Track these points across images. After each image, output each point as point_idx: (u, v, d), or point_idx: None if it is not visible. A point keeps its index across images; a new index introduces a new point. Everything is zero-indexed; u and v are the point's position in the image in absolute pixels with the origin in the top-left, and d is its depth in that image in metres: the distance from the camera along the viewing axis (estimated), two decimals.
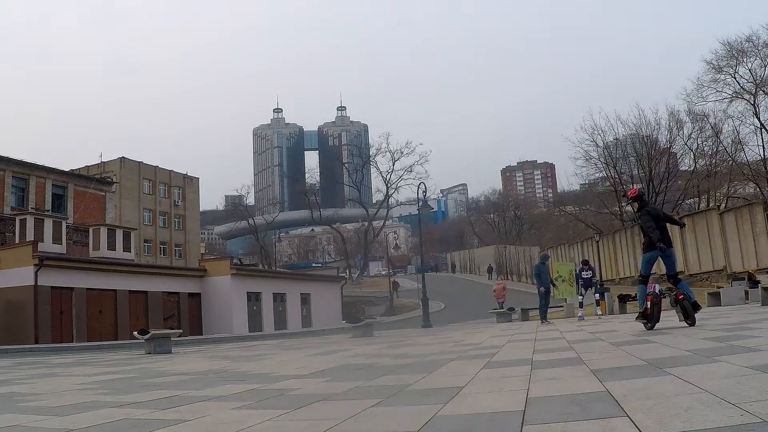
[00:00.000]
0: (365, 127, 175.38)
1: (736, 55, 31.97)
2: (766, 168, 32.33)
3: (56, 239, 24.56)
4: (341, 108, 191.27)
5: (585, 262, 16.22)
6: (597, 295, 16.09)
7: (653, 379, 3.61)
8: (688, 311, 7.88)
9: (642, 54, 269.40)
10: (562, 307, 21.82)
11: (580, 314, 15.33)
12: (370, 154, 76.29)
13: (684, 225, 9.71)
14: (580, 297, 15.49)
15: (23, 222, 24.18)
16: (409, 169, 64.94)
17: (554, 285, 16.18)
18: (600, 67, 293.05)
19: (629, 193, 8.99)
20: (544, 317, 15.09)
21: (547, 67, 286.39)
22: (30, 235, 23.18)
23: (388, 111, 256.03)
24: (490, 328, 15.78)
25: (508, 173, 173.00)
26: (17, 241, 23.57)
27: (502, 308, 23.35)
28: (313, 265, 71.10)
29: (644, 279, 8.27)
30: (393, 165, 66.09)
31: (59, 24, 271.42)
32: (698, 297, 23.48)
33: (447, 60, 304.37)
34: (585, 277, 15.47)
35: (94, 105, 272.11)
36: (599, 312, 15.68)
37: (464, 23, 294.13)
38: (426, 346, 9.43)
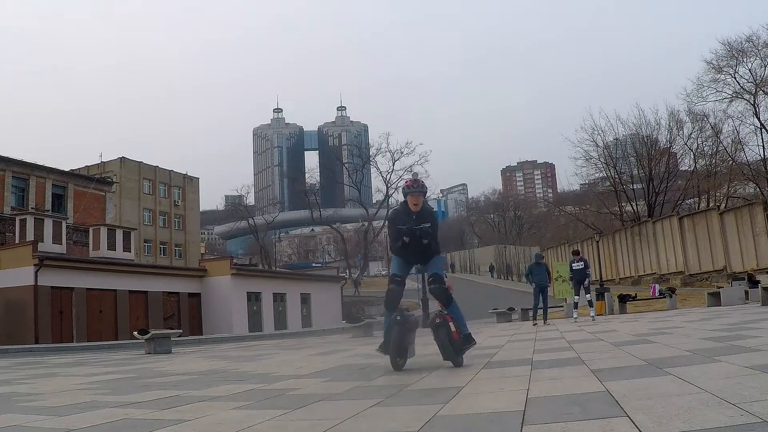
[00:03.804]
0: (365, 127, 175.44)
1: (736, 55, 31.97)
2: (766, 168, 32.32)
3: (56, 239, 24.56)
4: (341, 108, 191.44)
5: (576, 253, 14.85)
6: (588, 295, 14.68)
7: (653, 379, 3.61)
8: (445, 348, 5.30)
9: (642, 54, 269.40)
10: (562, 307, 21.83)
11: (574, 315, 15.06)
12: (370, 154, 76.12)
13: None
14: (577, 297, 14.63)
15: (23, 222, 24.18)
16: (409, 169, 64.75)
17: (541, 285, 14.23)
18: (600, 67, 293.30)
19: (410, 182, 5.59)
20: (534, 318, 14.35)
21: (547, 67, 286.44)
22: (30, 235, 23.18)
23: (388, 111, 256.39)
24: (490, 328, 15.77)
25: (508, 173, 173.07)
26: (17, 241, 23.57)
27: None
28: (313, 265, 71.08)
29: (397, 281, 5.55)
30: (393, 165, 65.93)
31: (60, 24, 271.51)
32: (698, 297, 23.49)
33: (447, 60, 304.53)
34: (576, 268, 14.22)
35: (94, 105, 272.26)
36: (593, 313, 14.79)
37: (464, 24, 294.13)
38: (426, 346, 9.42)
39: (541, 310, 14.13)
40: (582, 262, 14.38)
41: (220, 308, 27.13)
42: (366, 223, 72.13)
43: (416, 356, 5.86)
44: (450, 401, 3.43)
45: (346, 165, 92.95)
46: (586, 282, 14.36)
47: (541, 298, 14.01)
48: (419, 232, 5.41)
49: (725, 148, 35.36)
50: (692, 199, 39.49)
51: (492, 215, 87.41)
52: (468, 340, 5.47)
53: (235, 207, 78.82)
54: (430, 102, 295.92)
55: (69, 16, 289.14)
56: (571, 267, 14.69)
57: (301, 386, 4.81)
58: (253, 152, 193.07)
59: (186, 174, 55.88)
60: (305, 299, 33.05)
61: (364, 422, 3.01)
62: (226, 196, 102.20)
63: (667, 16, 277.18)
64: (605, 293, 20.50)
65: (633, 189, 40.35)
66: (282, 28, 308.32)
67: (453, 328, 5.27)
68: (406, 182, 5.58)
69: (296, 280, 35.19)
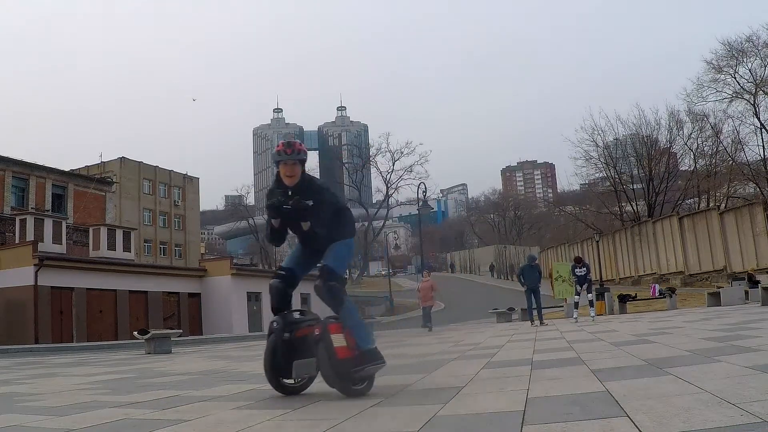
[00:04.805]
0: (365, 127, 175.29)
1: (736, 55, 32.04)
2: (766, 168, 32.37)
3: (56, 239, 24.57)
4: (341, 108, 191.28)
5: (578, 260, 15.49)
6: (590, 295, 15.23)
7: (653, 379, 3.61)
8: (324, 371, 3.79)
9: (642, 54, 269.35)
10: (561, 307, 21.83)
11: (575, 315, 15.16)
12: (370, 154, 76.27)
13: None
14: (576, 297, 15.02)
15: (23, 222, 24.19)
16: (409, 169, 65.00)
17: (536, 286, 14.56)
18: (600, 67, 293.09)
19: (281, 146, 3.99)
20: (531, 319, 14.73)
21: (547, 66, 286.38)
22: (30, 235, 23.19)
23: (388, 111, 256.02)
24: (490, 328, 15.78)
25: (508, 173, 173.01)
26: (17, 241, 23.58)
27: (429, 317, 18.28)
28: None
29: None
30: (393, 165, 66.16)
31: (60, 24, 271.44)
32: (698, 297, 23.44)
33: (447, 60, 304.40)
34: (579, 274, 14.82)
35: (94, 105, 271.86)
36: (593, 314, 15.06)
37: (464, 24, 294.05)
38: (426, 346, 9.43)
39: (535, 310, 14.48)
40: (584, 268, 14.89)
41: (220, 308, 27.13)
42: (366, 223, 72.24)
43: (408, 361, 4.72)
44: (450, 401, 3.43)
45: (346, 165, 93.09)
46: (586, 285, 14.91)
47: (534, 299, 14.44)
48: (294, 213, 3.93)
49: (725, 148, 35.44)
50: (692, 199, 39.55)
51: (492, 215, 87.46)
52: (369, 359, 3.83)
53: (235, 207, 78.93)
54: (430, 102, 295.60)
55: (69, 16, 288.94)
56: (574, 272, 15.19)
57: None
58: (253, 152, 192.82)
59: (186, 174, 55.91)
60: (305, 299, 32.99)
61: (364, 422, 3.01)
62: (226, 196, 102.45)
63: (667, 17, 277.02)
64: (605, 293, 20.51)
65: (633, 189, 40.41)
66: (282, 28, 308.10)
67: (341, 342, 3.72)
68: (276, 146, 4.00)
69: None
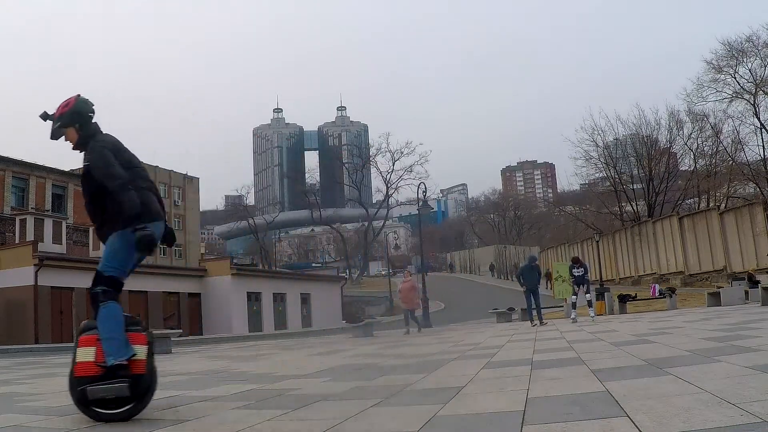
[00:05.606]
0: (365, 127, 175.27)
1: (736, 55, 32.00)
2: (766, 168, 32.35)
3: (56, 239, 24.58)
4: (341, 108, 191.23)
5: (575, 260, 15.45)
6: (588, 295, 15.17)
7: (653, 379, 3.61)
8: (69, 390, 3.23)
9: (642, 54, 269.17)
10: (561, 307, 21.83)
11: (573, 315, 15.16)
12: (370, 154, 76.25)
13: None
14: (574, 297, 14.96)
15: (23, 222, 24.21)
16: (409, 169, 64.88)
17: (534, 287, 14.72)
18: (600, 67, 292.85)
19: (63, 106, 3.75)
20: (531, 319, 14.78)
21: (547, 66, 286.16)
22: (30, 235, 23.20)
23: (388, 111, 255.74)
24: (490, 328, 15.79)
25: (508, 173, 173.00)
26: (17, 241, 23.60)
27: (415, 319, 17.97)
28: (313, 265, 71.11)
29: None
30: (393, 165, 66.08)
31: (60, 24, 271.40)
32: (698, 297, 23.52)
33: (447, 60, 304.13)
34: (576, 274, 14.78)
35: (93, 105, 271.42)
36: (592, 314, 15.00)
37: (465, 24, 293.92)
38: (426, 346, 9.44)
39: (535, 310, 14.52)
40: (582, 269, 14.86)
41: (220, 308, 27.15)
42: (366, 223, 72.23)
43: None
44: (450, 401, 3.43)
45: (346, 165, 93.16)
46: (585, 286, 14.93)
47: (533, 299, 14.50)
48: (84, 171, 3.48)
49: (725, 148, 35.42)
50: (692, 199, 39.52)
51: (492, 215, 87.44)
52: (105, 377, 3.09)
53: (235, 207, 78.95)
54: (430, 102, 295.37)
55: (69, 16, 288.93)
56: (571, 273, 15.16)
57: (301, 386, 4.81)
58: (253, 152, 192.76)
59: (186, 174, 55.90)
60: (305, 299, 33.05)
61: (364, 422, 3.01)
62: (226, 196, 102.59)
63: (667, 17, 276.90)
64: (605, 293, 20.49)
65: (633, 189, 40.38)
66: (282, 28, 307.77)
67: (87, 357, 3.12)
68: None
69: (296, 280, 35.18)
